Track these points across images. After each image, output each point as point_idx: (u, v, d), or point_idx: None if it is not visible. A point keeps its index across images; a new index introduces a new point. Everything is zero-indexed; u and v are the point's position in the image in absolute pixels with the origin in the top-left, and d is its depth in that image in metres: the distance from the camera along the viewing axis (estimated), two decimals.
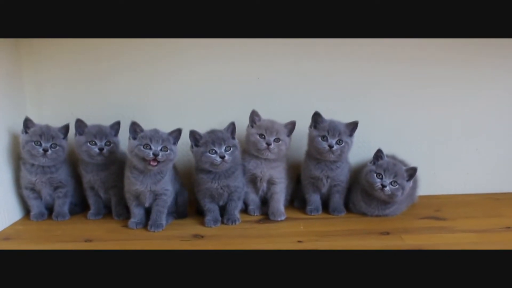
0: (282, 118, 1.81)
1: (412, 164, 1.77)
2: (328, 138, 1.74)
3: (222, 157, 1.66)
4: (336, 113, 1.82)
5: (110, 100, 2.00)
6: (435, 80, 1.98)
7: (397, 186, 1.68)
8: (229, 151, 1.68)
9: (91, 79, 1.98)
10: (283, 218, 1.78)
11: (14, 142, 1.83)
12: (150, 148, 1.60)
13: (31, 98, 1.99)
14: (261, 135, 1.77)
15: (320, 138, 1.76)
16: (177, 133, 1.69)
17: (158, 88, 2.00)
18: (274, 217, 1.78)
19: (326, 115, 1.79)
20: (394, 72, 1.98)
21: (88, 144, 1.75)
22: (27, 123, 1.76)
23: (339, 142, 1.74)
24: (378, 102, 2.01)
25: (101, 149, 1.75)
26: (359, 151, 1.98)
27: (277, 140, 1.76)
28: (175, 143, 1.69)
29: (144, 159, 1.60)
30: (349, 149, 1.78)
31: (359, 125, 1.76)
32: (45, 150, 1.73)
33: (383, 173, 1.70)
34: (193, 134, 1.71)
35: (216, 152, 1.67)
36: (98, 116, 1.86)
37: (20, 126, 1.76)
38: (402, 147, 1.99)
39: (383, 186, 1.68)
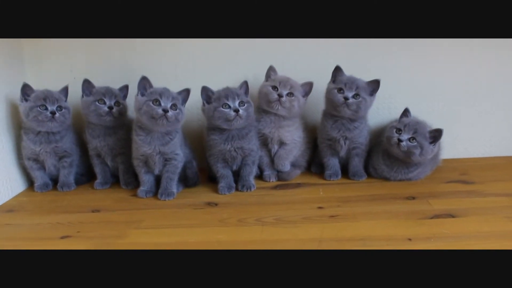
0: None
1: (434, 126, 1.66)
2: (345, 90, 1.64)
3: (236, 111, 1.56)
4: (355, 73, 1.71)
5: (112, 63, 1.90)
6: (458, 39, 1.83)
7: (415, 143, 1.58)
8: (244, 107, 1.58)
9: (91, 41, 1.86)
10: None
11: (13, 111, 1.74)
12: (160, 105, 1.50)
13: (30, 64, 1.89)
14: (274, 87, 1.67)
15: (336, 90, 1.66)
16: (185, 93, 1.59)
17: (165, 46, 1.88)
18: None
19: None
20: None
21: (97, 103, 1.66)
22: (26, 90, 1.65)
23: (355, 96, 1.64)
24: (399, 62, 1.88)
25: (110, 108, 1.65)
26: (378, 112, 1.88)
27: (290, 94, 1.66)
28: (183, 103, 1.59)
29: (152, 117, 1.50)
30: (367, 107, 1.67)
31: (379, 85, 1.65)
32: (53, 113, 1.63)
33: (402, 128, 1.60)
34: (205, 91, 1.61)
35: (229, 107, 1.57)
36: (101, 80, 1.75)
37: (18, 94, 1.66)
38: (425, 108, 1.88)
39: (400, 140, 1.58)
